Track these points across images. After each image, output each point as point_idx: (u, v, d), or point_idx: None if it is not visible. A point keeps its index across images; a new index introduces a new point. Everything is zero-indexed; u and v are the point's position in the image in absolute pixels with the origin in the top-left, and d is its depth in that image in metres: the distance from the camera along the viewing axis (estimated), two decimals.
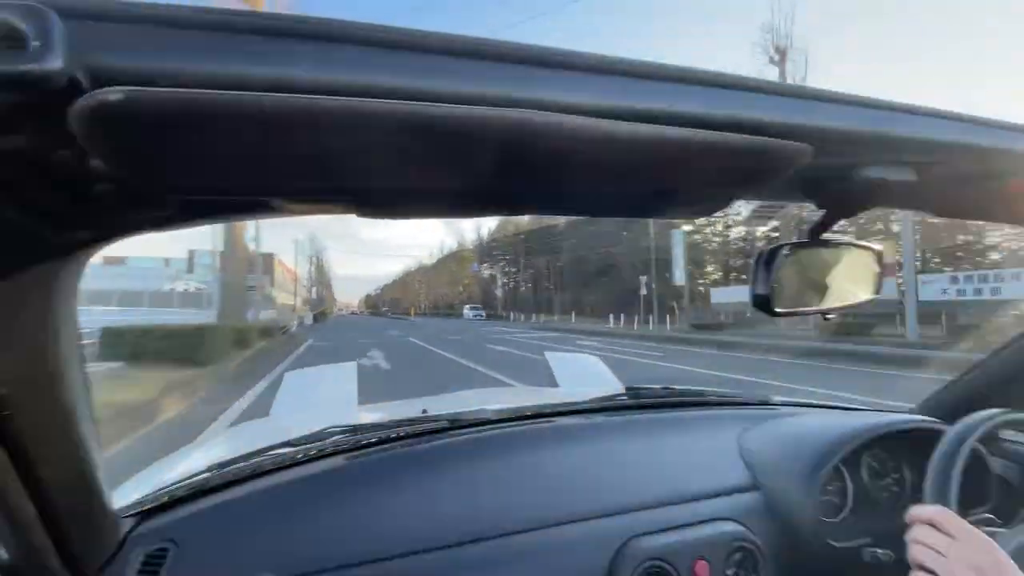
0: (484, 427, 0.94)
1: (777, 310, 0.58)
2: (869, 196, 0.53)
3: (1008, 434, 0.91)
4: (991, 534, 0.62)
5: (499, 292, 59.12)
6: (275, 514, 0.72)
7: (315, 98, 0.27)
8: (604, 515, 0.79)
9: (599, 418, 1.03)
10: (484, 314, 47.10)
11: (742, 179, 0.46)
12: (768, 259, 0.58)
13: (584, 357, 1.76)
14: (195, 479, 0.77)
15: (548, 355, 1.64)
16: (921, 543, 0.60)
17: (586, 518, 0.78)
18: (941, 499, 0.66)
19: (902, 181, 0.50)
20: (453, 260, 77.06)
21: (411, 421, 0.94)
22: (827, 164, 0.45)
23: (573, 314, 39.36)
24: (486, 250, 66.38)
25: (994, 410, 0.75)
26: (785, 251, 0.58)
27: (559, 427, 0.97)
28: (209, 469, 0.79)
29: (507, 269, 62.89)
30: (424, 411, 1.04)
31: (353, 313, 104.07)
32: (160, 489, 0.76)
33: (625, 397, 1.13)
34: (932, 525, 0.61)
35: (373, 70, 0.29)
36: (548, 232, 46.60)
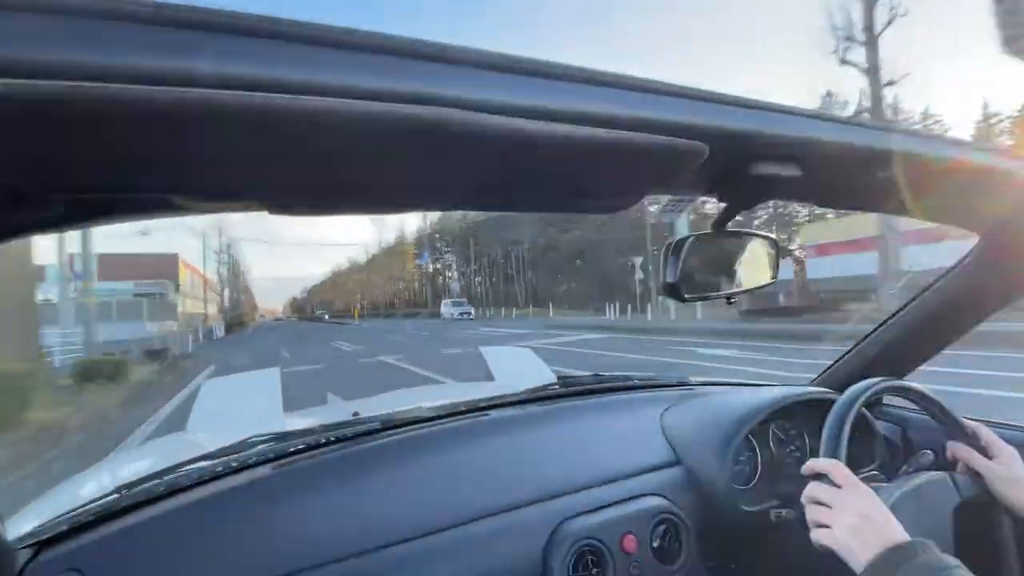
0: (417, 426, 0.94)
1: (686, 296, 0.63)
2: (762, 190, 0.59)
3: (892, 400, 1.12)
4: (877, 488, 0.72)
5: (455, 286, 52.04)
6: (194, 533, 0.69)
7: (215, 92, 0.26)
8: (537, 501, 0.83)
9: (531, 408, 1.06)
10: (472, 312, 37.85)
11: (649, 176, 0.50)
12: (675, 249, 0.62)
13: (519, 350, 1.76)
14: (101, 502, 0.71)
15: (483, 350, 1.63)
16: (813, 498, 0.69)
17: (520, 506, 0.82)
18: (833, 455, 0.74)
19: (789, 176, 0.54)
20: (393, 255, 71.45)
21: (341, 425, 0.92)
22: (723, 162, 0.50)
23: (550, 306, 33.08)
24: (429, 242, 59.30)
25: (876, 379, 0.84)
26: (691, 241, 0.63)
27: (492, 420, 0.99)
28: (117, 491, 0.74)
29: (457, 262, 56.18)
30: (355, 414, 1.02)
31: (277, 319, 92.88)
32: (61, 516, 0.70)
33: (556, 386, 1.18)
34: (824, 475, 0.70)
35: (276, 64, 0.28)
36: (504, 218, 40.43)
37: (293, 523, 0.72)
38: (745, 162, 0.52)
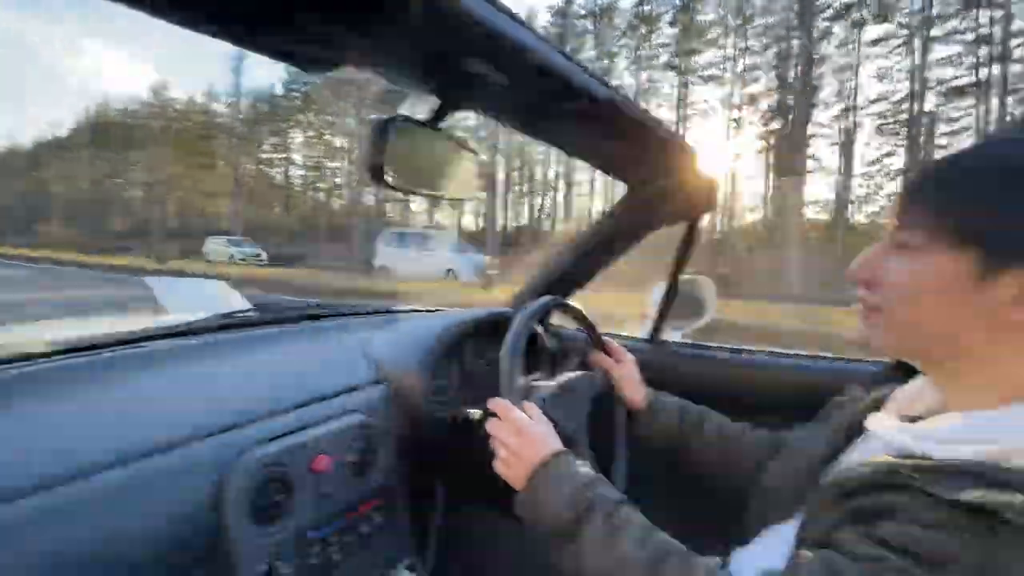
0: (35, 361, 0.71)
1: (391, 183, 0.61)
2: (472, 91, 0.58)
3: (556, 317, 1.32)
4: (539, 386, 0.90)
5: None
6: None
7: None
8: (214, 433, 0.72)
9: (216, 336, 0.93)
10: None
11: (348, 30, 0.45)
12: (382, 129, 0.59)
13: (206, 281, 1.53)
14: None
15: (148, 280, 1.37)
16: (491, 434, 0.78)
17: (190, 441, 0.69)
18: (511, 365, 0.84)
19: (498, 83, 0.55)
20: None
21: None
22: (437, 46, 0.48)
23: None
24: None
25: (545, 298, 0.98)
26: (399, 124, 0.60)
27: (152, 352, 0.82)
28: None
29: None
30: None
31: None
32: None
33: (251, 313, 1.09)
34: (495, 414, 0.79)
35: None
36: None
37: None
38: (457, 52, 0.51)
